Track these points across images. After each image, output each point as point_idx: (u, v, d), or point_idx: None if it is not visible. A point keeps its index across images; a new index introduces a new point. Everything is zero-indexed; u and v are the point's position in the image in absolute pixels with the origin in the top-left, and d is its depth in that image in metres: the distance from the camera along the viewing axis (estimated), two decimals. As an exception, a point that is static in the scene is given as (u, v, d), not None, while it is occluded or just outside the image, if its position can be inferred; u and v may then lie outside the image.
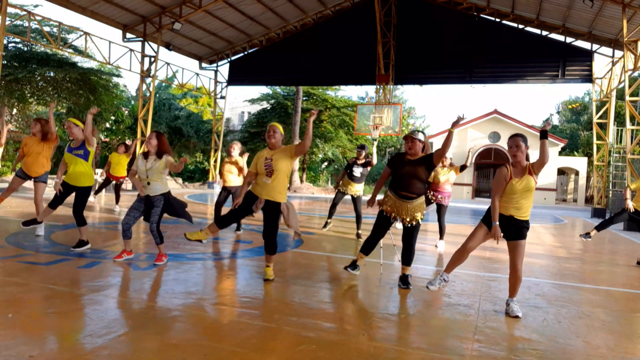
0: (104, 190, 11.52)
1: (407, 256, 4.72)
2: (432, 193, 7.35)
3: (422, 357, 2.96)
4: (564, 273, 5.97)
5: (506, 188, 3.89)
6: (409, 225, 4.63)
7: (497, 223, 3.88)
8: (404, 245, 4.72)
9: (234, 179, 7.81)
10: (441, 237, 7.46)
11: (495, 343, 3.27)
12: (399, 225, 6.88)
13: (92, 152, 5.67)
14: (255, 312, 3.70)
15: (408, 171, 4.50)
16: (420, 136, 4.58)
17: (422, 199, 4.63)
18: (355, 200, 7.88)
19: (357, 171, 7.81)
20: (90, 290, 4.01)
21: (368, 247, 4.82)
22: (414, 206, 4.56)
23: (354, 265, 4.92)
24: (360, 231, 7.93)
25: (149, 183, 5.03)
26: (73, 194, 5.68)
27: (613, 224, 7.13)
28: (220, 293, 4.26)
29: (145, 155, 5.15)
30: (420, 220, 4.64)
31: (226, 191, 7.90)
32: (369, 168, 7.84)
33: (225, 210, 7.93)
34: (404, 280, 4.69)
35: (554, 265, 6.52)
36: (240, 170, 7.75)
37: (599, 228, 7.18)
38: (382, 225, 4.72)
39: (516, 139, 3.90)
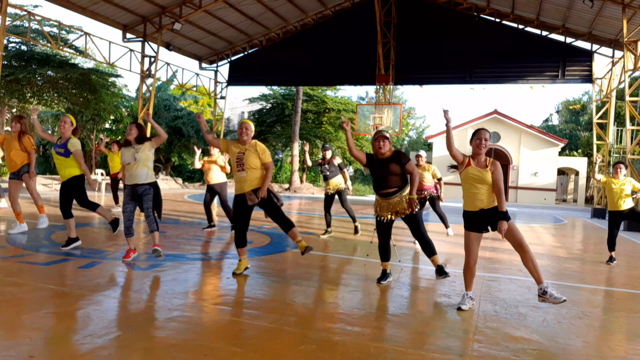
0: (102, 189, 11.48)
1: (426, 247, 4.73)
2: (418, 195, 7.32)
3: (422, 357, 2.96)
4: (564, 273, 5.97)
5: (461, 175, 4.05)
6: (407, 216, 4.63)
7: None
8: (417, 238, 4.76)
9: (217, 177, 7.90)
10: (447, 225, 7.54)
11: (495, 343, 3.27)
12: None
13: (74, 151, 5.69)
14: (255, 312, 3.70)
15: (381, 171, 4.64)
16: (388, 135, 4.76)
17: (406, 190, 4.68)
18: (340, 196, 7.90)
19: (325, 169, 7.86)
20: (90, 290, 4.01)
21: (383, 253, 4.84)
22: (401, 198, 4.62)
23: (385, 275, 4.89)
24: (357, 224, 8.03)
25: (136, 169, 5.08)
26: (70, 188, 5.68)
27: (615, 233, 6.92)
28: (220, 293, 4.26)
29: (127, 144, 5.22)
30: (415, 209, 4.65)
31: (211, 189, 7.97)
32: (336, 163, 7.87)
33: (223, 210, 8.01)
34: (440, 271, 4.69)
35: (554, 265, 6.52)
36: (222, 167, 7.86)
37: (610, 248, 6.90)
38: (383, 229, 4.76)
39: (485, 133, 4.03)
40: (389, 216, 4.65)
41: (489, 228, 4.02)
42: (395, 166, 4.60)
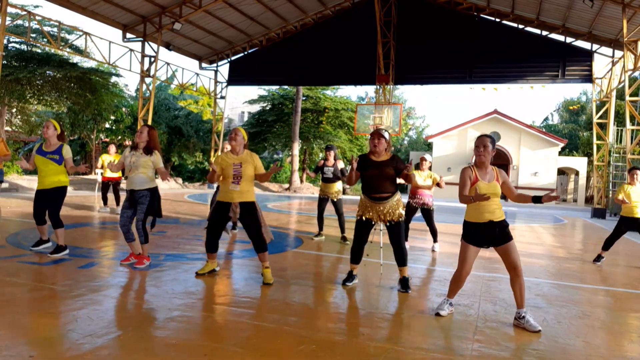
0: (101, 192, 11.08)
1: (400, 256, 4.61)
2: (413, 199, 7.15)
3: (422, 357, 2.96)
4: (564, 273, 5.97)
5: (471, 192, 3.79)
6: (391, 224, 4.53)
7: (473, 195, 3.69)
8: (393, 246, 4.62)
9: None
10: (435, 240, 7.28)
11: (495, 343, 3.27)
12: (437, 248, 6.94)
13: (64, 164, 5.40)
14: (255, 312, 3.70)
15: (375, 173, 4.48)
16: (386, 135, 4.57)
17: (397, 196, 4.58)
18: (335, 203, 7.61)
19: (329, 171, 7.55)
20: (90, 290, 4.01)
21: (355, 255, 4.72)
22: (391, 205, 4.51)
23: (350, 276, 4.80)
24: (345, 234, 7.63)
25: (132, 176, 4.93)
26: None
27: (617, 237, 6.85)
28: (220, 293, 4.26)
29: (133, 147, 5.05)
30: (401, 217, 4.56)
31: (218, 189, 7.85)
32: (339, 168, 7.56)
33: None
34: (404, 284, 4.62)
35: (554, 265, 6.52)
36: None
37: (605, 247, 6.91)
38: (362, 231, 4.63)
39: (484, 139, 3.86)
40: (375, 218, 4.53)
41: (487, 245, 3.81)
42: (390, 170, 4.45)
